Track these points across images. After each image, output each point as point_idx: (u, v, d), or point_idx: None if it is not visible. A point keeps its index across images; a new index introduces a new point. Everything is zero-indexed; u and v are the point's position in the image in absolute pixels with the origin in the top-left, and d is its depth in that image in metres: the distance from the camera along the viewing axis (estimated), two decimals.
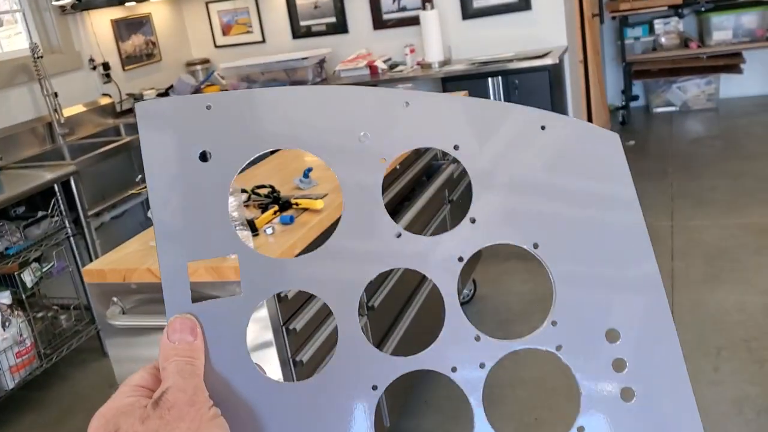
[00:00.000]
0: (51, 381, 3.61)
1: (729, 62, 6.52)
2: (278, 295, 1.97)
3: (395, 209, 2.70)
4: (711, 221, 4.30)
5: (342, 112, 0.56)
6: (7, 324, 3.22)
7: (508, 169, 0.57)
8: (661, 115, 6.78)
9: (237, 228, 2.00)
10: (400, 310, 2.59)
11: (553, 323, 0.57)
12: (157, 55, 5.38)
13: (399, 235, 0.57)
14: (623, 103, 6.72)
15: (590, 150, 0.57)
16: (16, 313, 3.31)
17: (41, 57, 4.14)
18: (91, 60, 4.75)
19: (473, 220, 0.57)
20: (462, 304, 3.16)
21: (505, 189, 0.57)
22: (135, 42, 5.17)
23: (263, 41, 5.56)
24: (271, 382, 0.56)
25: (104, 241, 3.74)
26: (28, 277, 3.39)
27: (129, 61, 5.10)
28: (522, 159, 0.57)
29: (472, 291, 3.70)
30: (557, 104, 4.57)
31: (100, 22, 4.85)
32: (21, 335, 3.30)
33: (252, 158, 0.57)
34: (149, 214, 2.96)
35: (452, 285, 0.57)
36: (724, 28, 6.38)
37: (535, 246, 0.57)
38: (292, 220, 2.14)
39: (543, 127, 0.57)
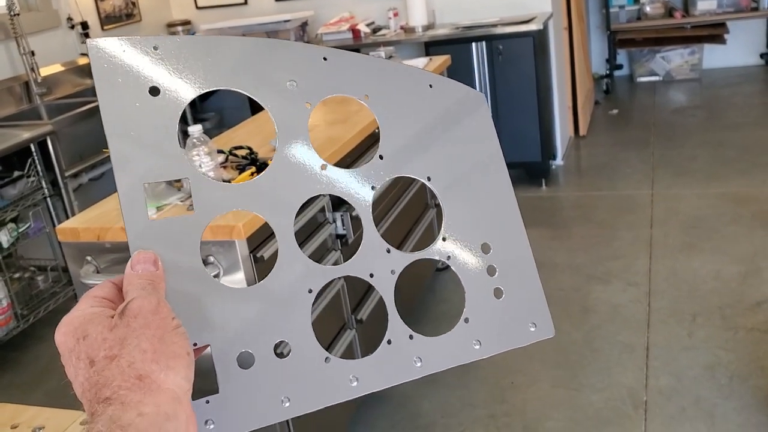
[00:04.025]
0: (28, 342, 3.59)
1: (713, 32, 6.51)
2: (254, 255, 1.97)
3: None
4: (690, 190, 4.33)
5: (273, 62, 0.65)
6: None
7: (407, 116, 0.69)
8: (645, 85, 6.78)
9: None
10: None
11: (444, 239, 0.70)
12: (137, 15, 5.29)
13: (323, 167, 0.66)
14: (607, 72, 6.72)
15: (464, 103, 0.71)
16: None
17: (18, 14, 4.06)
18: (69, 19, 4.66)
19: (381, 157, 0.68)
20: (439, 270, 3.13)
21: (405, 132, 0.69)
22: (114, 1, 5.08)
23: (245, 3, 5.47)
24: (223, 288, 0.62)
25: (82, 203, 3.69)
26: (4, 237, 3.36)
27: (108, 20, 5.01)
28: (416, 108, 0.69)
29: None
30: (541, 71, 4.51)
31: None
32: None
33: (197, 95, 0.62)
34: None
35: (367, 208, 0.68)
36: None
37: (429, 179, 0.69)
38: None
39: (431, 86, 0.70)
